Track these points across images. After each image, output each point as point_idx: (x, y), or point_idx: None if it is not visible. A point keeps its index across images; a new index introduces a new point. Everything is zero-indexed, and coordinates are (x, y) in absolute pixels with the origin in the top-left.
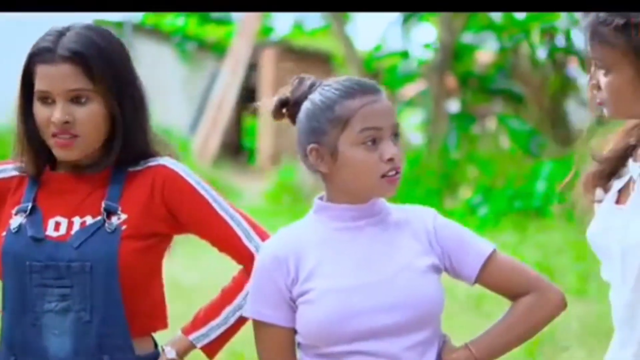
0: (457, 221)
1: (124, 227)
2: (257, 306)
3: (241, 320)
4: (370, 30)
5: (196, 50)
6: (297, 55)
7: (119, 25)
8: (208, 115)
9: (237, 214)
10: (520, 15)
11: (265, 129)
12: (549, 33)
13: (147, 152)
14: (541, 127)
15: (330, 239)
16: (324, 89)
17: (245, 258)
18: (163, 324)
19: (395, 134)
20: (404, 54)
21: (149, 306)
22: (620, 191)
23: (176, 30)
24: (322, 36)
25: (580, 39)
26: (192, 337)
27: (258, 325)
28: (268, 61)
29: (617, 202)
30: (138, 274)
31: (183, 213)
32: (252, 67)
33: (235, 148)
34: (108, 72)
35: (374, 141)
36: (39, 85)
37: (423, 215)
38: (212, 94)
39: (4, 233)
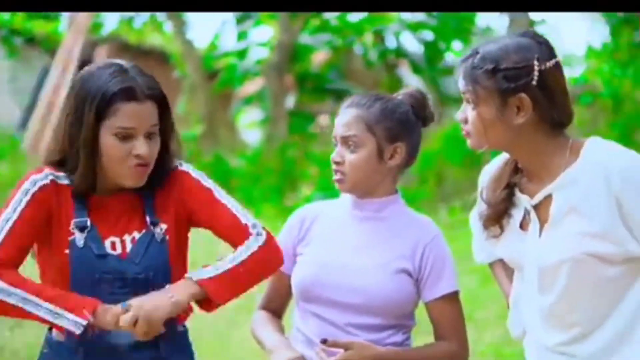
0: None
1: (167, 236)
2: None
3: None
4: (206, 28)
5: (24, 45)
6: (132, 53)
7: None
8: (38, 112)
9: (234, 200)
10: (353, 18)
11: None
12: (380, 35)
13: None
14: None
15: (342, 219)
16: None
17: (244, 235)
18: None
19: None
20: (241, 54)
21: None
22: (522, 218)
23: (1, 24)
24: (153, 32)
25: (409, 42)
26: (189, 274)
27: None
28: (101, 58)
29: (522, 227)
30: (179, 274)
31: (195, 207)
32: (85, 64)
33: None
34: (169, 111)
35: None
36: (122, 122)
37: (429, 230)
38: (42, 92)
39: (67, 250)
